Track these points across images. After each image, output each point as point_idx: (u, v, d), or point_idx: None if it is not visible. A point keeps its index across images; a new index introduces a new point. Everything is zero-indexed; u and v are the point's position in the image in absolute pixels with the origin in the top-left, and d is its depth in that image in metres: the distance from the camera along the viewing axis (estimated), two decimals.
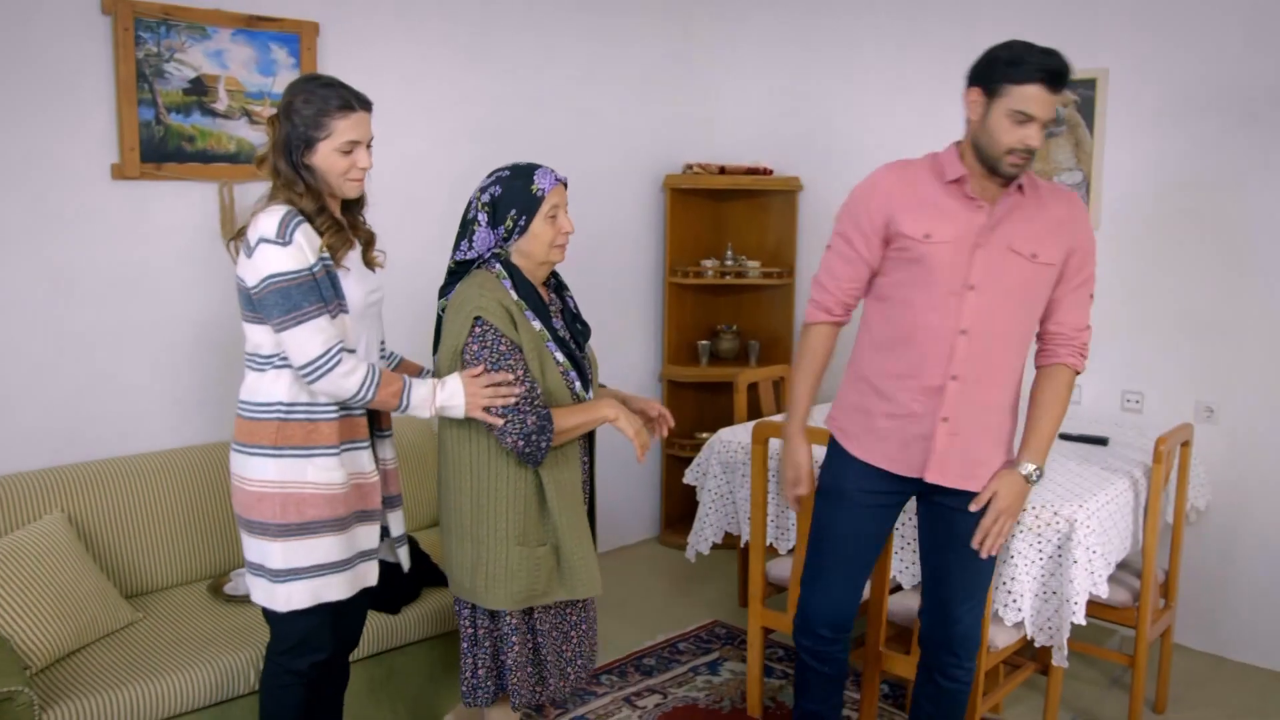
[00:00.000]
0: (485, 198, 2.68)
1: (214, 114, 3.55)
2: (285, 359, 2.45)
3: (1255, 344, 3.92)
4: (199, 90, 3.50)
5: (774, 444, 3.43)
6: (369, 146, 2.52)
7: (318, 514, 2.49)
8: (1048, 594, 2.95)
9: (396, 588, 3.20)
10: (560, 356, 2.72)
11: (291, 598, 2.51)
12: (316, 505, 2.49)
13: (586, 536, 2.80)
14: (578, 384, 2.77)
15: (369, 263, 2.65)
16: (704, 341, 5.21)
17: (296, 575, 2.50)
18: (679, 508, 5.26)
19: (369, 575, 2.65)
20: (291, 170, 2.46)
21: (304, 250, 2.39)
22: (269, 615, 2.59)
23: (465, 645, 2.85)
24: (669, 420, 2.99)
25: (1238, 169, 3.91)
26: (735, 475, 3.65)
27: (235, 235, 2.51)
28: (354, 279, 2.54)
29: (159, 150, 3.43)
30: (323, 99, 2.45)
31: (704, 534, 3.72)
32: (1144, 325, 4.15)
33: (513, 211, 2.65)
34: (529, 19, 4.50)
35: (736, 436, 3.68)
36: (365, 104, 2.50)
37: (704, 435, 4.70)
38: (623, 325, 5.05)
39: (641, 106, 5.01)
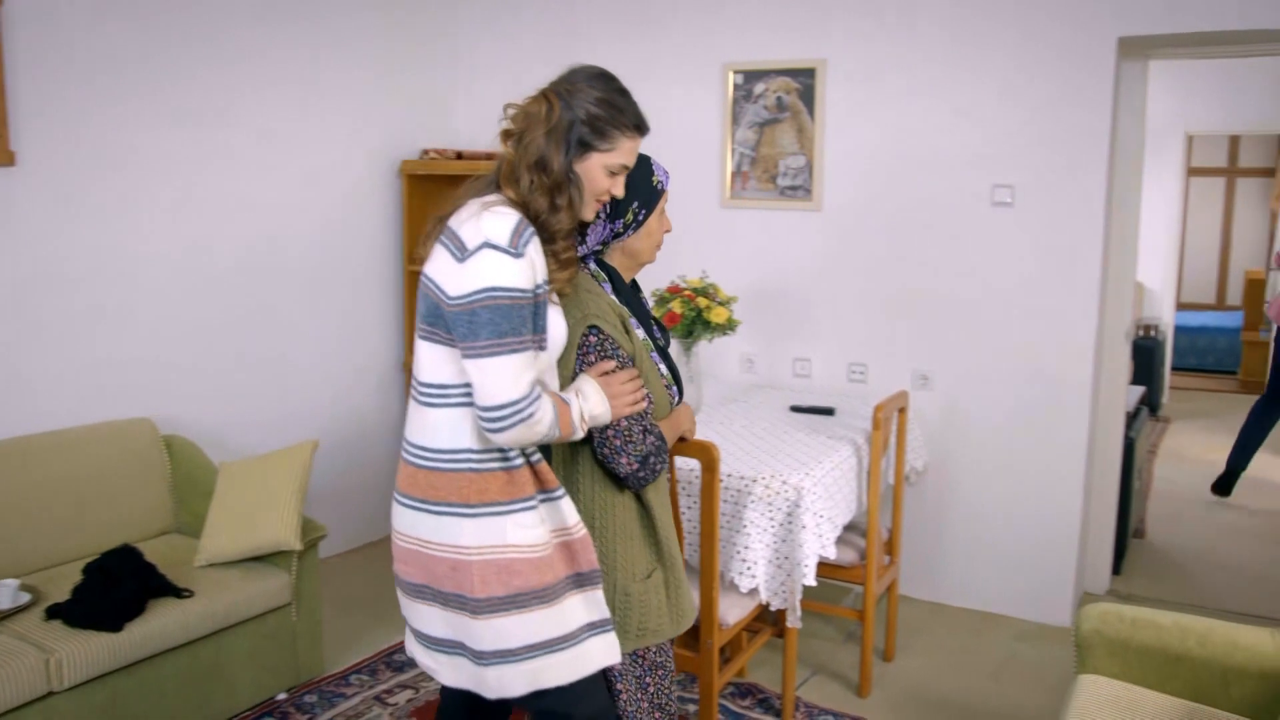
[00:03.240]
0: None
1: None
2: (465, 394, 2.00)
3: (961, 315, 4.24)
4: None
5: None
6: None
7: (527, 584, 2.03)
8: (780, 559, 3.08)
9: (117, 602, 2.99)
10: (664, 369, 2.36)
11: (504, 681, 2.06)
12: (526, 574, 2.03)
13: (681, 561, 2.42)
14: (677, 398, 2.44)
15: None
16: None
17: (508, 658, 2.05)
18: None
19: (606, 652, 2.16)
20: (564, 172, 2.06)
21: (534, 268, 1.97)
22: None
23: None
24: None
25: (943, 154, 4.20)
26: None
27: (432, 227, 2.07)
28: (557, 313, 2.10)
29: None
30: (619, 108, 2.11)
31: None
32: (866, 301, 4.41)
33: (635, 204, 2.31)
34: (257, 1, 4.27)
35: None
36: (647, 129, 2.19)
37: None
38: (362, 315, 4.90)
39: (375, 92, 4.85)
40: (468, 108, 5.28)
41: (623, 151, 2.14)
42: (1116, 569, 4.65)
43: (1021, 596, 4.27)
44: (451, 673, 2.13)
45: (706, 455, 2.82)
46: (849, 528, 3.71)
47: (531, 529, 2.04)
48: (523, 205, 2.02)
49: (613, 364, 2.18)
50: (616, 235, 2.33)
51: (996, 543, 4.29)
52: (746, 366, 4.70)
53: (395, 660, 3.80)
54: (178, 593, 3.20)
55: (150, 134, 3.92)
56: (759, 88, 4.50)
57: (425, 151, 5.02)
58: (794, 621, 3.14)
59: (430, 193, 5.06)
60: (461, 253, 1.95)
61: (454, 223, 2.00)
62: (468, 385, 1.99)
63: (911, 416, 4.16)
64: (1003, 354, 4.19)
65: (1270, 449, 7.23)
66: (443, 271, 1.98)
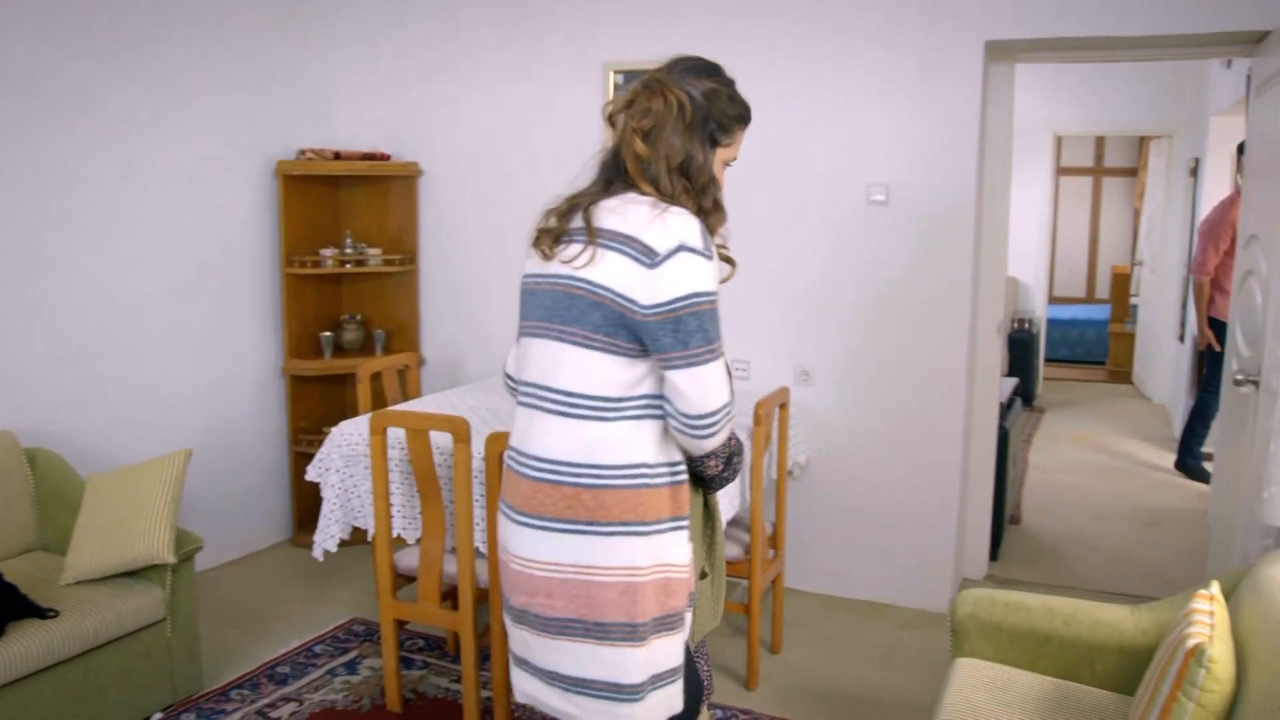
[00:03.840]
0: None
1: None
2: (645, 403, 1.92)
3: (840, 312, 4.32)
4: None
5: (393, 433, 3.37)
6: None
7: (678, 605, 1.93)
8: None
9: None
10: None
11: (653, 715, 1.92)
12: (679, 594, 1.94)
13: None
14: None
15: None
16: (327, 333, 5.02)
17: (658, 683, 1.94)
18: (310, 507, 5.05)
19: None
20: (710, 173, 1.98)
21: (718, 270, 1.91)
22: None
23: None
24: None
25: (820, 154, 4.28)
26: (358, 468, 3.55)
27: (586, 231, 1.93)
28: None
29: None
30: (738, 101, 2.05)
31: (330, 531, 3.59)
32: (747, 299, 4.46)
33: None
34: None
35: (358, 429, 3.58)
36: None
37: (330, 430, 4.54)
38: (237, 319, 4.77)
39: (248, 91, 4.72)
40: (347, 108, 5.19)
41: (738, 145, 2.09)
42: (994, 555, 4.80)
43: (904, 585, 4.37)
44: (597, 718, 1.95)
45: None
46: (734, 523, 3.75)
47: (683, 548, 1.96)
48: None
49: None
50: None
51: (879, 533, 4.39)
52: None
53: (278, 673, 3.71)
54: (41, 613, 3.06)
55: (3, 134, 3.75)
56: None
57: (302, 151, 4.91)
58: None
59: (309, 193, 4.96)
60: (650, 258, 1.85)
61: (620, 227, 1.89)
62: (645, 397, 1.92)
63: (794, 412, 4.24)
64: (881, 349, 4.28)
65: (1134, 434, 7.56)
66: (625, 279, 1.86)
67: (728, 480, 2.13)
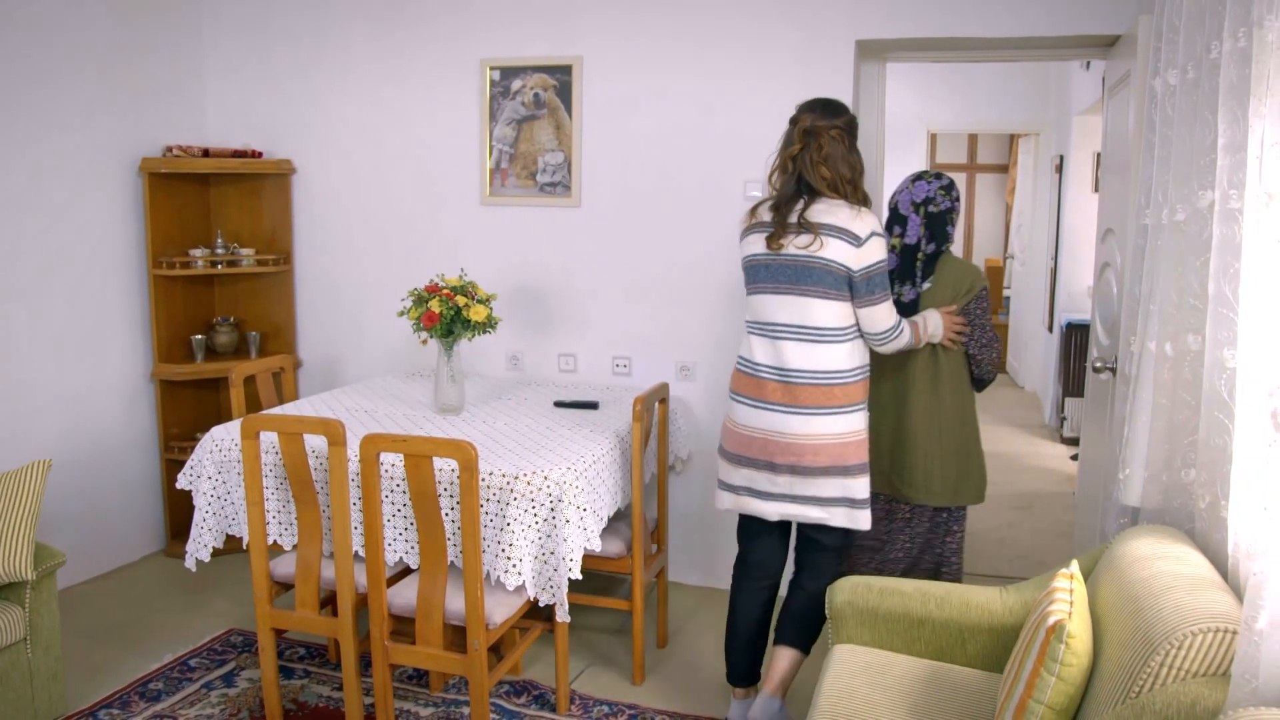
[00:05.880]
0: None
1: None
2: (854, 332, 3.05)
3: (719, 307, 4.37)
4: None
5: (265, 438, 3.28)
6: None
7: (866, 457, 3.11)
8: (545, 555, 3.08)
9: None
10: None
11: (868, 519, 3.11)
12: (867, 449, 3.12)
13: None
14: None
15: None
16: (199, 336, 4.87)
17: (864, 504, 3.09)
18: (185, 516, 4.89)
19: None
20: (863, 178, 3.10)
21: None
22: (833, 536, 3.18)
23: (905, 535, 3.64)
24: None
25: (696, 151, 4.31)
26: (231, 474, 3.45)
27: (808, 230, 2.96)
28: None
29: None
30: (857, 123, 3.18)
31: (203, 539, 3.48)
32: (628, 296, 4.47)
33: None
34: None
35: (229, 434, 3.47)
36: None
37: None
38: (100, 323, 4.57)
39: (110, 84, 4.52)
40: (216, 104, 5.03)
41: None
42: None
43: (786, 574, 4.42)
44: (844, 519, 3.09)
45: (464, 455, 2.81)
46: (617, 519, 3.76)
47: (865, 420, 3.13)
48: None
49: (956, 307, 3.43)
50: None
51: None
52: (512, 364, 4.69)
53: (150, 690, 3.58)
54: None
55: None
56: (516, 84, 4.49)
57: (169, 149, 4.74)
58: (562, 616, 3.14)
59: (177, 192, 4.79)
60: (857, 242, 2.95)
61: (834, 220, 2.96)
62: (853, 327, 3.04)
63: (675, 407, 4.26)
64: None
65: (1008, 422, 7.82)
66: (843, 254, 2.95)
67: (987, 383, 3.62)
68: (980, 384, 3.57)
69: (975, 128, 9.85)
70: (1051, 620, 2.02)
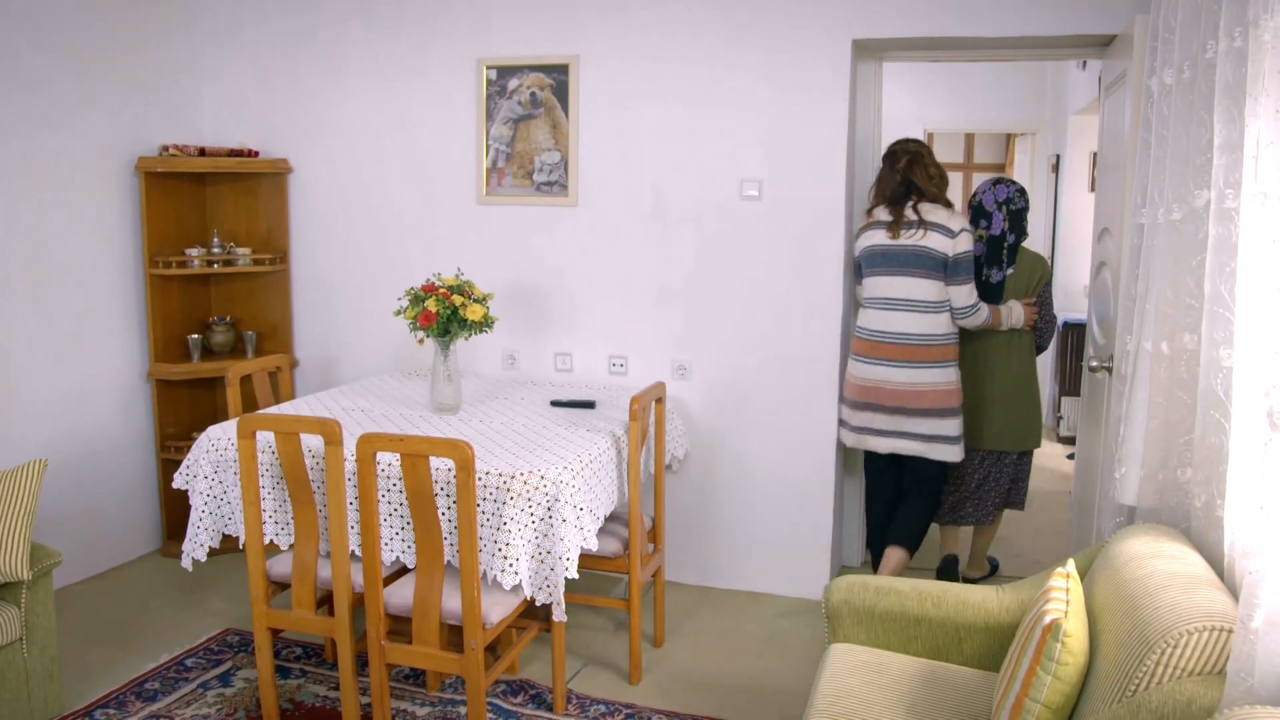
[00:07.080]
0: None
1: None
2: (946, 305, 3.96)
3: (716, 306, 4.37)
4: None
5: (262, 437, 3.28)
6: None
7: (958, 402, 4.06)
8: (542, 554, 3.08)
9: None
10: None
11: (959, 452, 4.06)
12: (959, 395, 4.07)
13: None
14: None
15: None
16: (195, 335, 4.86)
17: (958, 440, 4.05)
18: (181, 515, 4.89)
19: None
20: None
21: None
22: (930, 467, 4.12)
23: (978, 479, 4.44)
24: None
25: (694, 150, 4.31)
26: (227, 474, 3.45)
27: (917, 224, 3.95)
28: None
29: None
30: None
31: (199, 539, 3.48)
32: (624, 295, 4.47)
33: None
34: None
35: (226, 433, 3.47)
36: None
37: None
38: (97, 322, 4.57)
39: (106, 84, 4.52)
40: (212, 104, 5.03)
41: None
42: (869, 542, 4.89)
43: (783, 574, 4.44)
44: (939, 452, 4.02)
45: (460, 454, 2.81)
46: (614, 518, 3.76)
47: (957, 374, 4.04)
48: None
49: (1033, 300, 4.29)
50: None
51: (758, 524, 4.45)
52: (509, 363, 4.69)
53: (146, 690, 3.58)
54: None
55: None
56: (513, 83, 4.49)
57: (165, 148, 4.74)
58: (559, 615, 3.14)
59: (173, 191, 4.79)
60: (951, 235, 3.90)
61: (936, 219, 3.93)
62: (945, 302, 3.95)
63: (671, 406, 4.26)
64: (756, 342, 4.34)
65: None
66: (941, 244, 3.90)
67: (1044, 349, 4.44)
68: (1040, 350, 4.41)
69: (972, 127, 9.83)
70: (1048, 619, 2.02)
